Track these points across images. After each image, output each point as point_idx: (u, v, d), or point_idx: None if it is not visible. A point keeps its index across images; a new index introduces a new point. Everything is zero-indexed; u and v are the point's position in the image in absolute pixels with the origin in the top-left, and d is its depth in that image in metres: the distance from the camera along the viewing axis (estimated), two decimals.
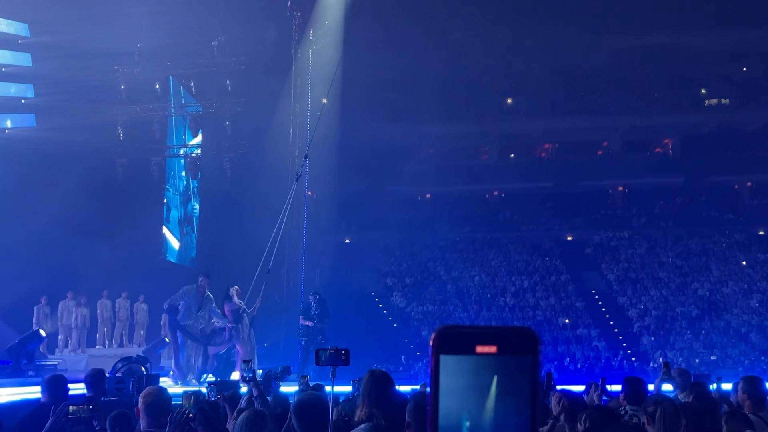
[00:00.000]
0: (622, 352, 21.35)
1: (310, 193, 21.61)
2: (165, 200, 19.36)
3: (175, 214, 19.81)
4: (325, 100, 23.87)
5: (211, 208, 20.27)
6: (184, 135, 19.64)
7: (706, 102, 29.39)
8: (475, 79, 27.12)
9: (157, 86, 18.37)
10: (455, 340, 0.97)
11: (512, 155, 30.86)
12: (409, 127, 26.95)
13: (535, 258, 26.15)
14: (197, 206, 20.55)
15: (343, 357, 4.32)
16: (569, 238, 27.52)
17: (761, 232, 26.34)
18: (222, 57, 18.49)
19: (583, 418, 3.66)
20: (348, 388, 7.92)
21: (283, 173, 18.19)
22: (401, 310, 24.23)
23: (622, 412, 4.83)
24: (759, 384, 5.60)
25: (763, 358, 19.80)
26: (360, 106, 24.77)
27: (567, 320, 22.99)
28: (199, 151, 19.65)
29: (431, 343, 0.98)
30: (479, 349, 0.97)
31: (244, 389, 6.48)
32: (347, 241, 26.48)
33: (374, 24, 23.47)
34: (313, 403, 3.25)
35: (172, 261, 19.31)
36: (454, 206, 28.74)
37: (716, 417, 3.57)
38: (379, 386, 3.62)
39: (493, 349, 0.97)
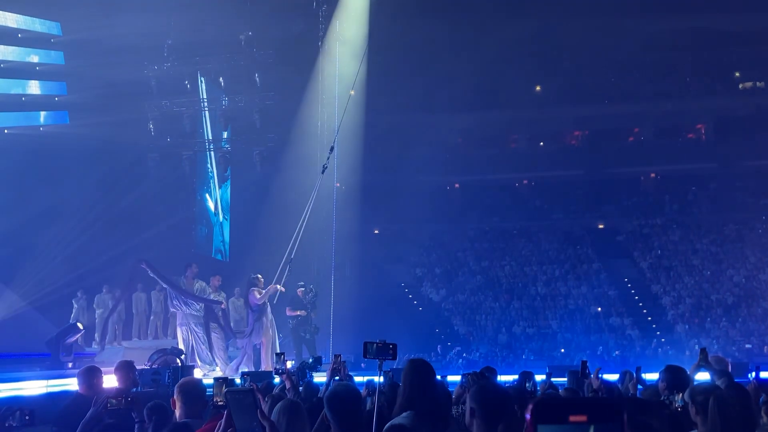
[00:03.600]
0: (656, 341, 21.13)
1: (338, 184, 21.69)
2: (196, 194, 19.60)
3: (206, 207, 20.04)
4: (352, 92, 23.90)
5: (242, 202, 20.48)
6: (214, 129, 19.82)
7: (741, 85, 28.75)
8: (503, 66, 26.89)
9: (186, 83, 18.55)
10: (551, 411, 1.12)
11: (542, 143, 30.58)
12: (437, 115, 26.85)
13: (566, 246, 25.92)
14: (228, 200, 20.75)
15: (390, 351, 4.37)
16: (600, 226, 27.22)
17: None
18: (250, 51, 18.60)
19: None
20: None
21: (311, 166, 18.26)
22: (431, 301, 24.25)
23: (667, 402, 4.74)
24: None
25: None
26: (387, 97, 24.74)
27: (599, 308, 22.80)
28: (228, 145, 19.81)
29: (529, 414, 1.10)
30: (572, 418, 1.12)
31: (276, 380, 6.55)
32: (376, 232, 26.54)
33: (400, 13, 23.41)
34: (345, 393, 3.29)
35: (205, 254, 19.55)
36: (483, 195, 28.59)
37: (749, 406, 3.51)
38: (419, 374, 3.68)
39: (584, 418, 1.12)
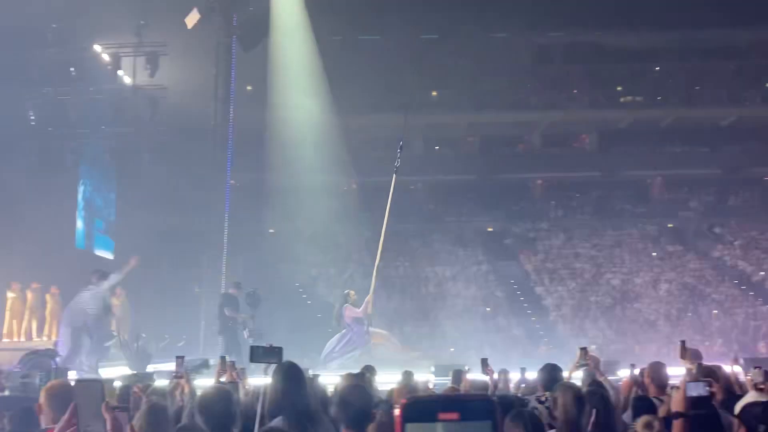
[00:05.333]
0: (539, 341, 22.03)
1: (233, 182, 21.30)
2: (78, 187, 18.63)
3: (90, 201, 19.10)
4: (249, 88, 23.56)
5: (131, 196, 19.67)
6: (102, 120, 18.90)
7: (622, 99, 30.55)
8: (402, 70, 27.27)
9: (72, 70, 17.60)
10: (420, 409, 1.09)
11: (437, 147, 31.24)
12: (337, 116, 26.86)
13: (458, 248, 26.60)
14: (114, 193, 19.88)
15: (276, 354, 4.34)
16: (490, 229, 28.14)
17: (670, 225, 27.70)
18: (145, 40, 17.89)
19: None
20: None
21: (205, 160, 17.83)
22: (326, 301, 24.19)
23: (543, 400, 4.96)
24: (662, 369, 5.92)
25: (669, 344, 20.83)
26: (288, 93, 24.52)
27: (488, 309, 23.52)
28: (116, 138, 18.96)
29: (398, 412, 1.06)
30: (442, 416, 1.08)
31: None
32: (272, 231, 26.21)
33: (301, 11, 23.31)
34: (213, 397, 3.23)
35: (86, 249, 18.63)
36: (379, 197, 28.82)
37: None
38: (289, 378, 3.66)
39: (455, 416, 1.08)
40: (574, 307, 23.05)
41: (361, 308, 12.43)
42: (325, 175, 25.77)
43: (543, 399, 4.69)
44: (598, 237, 26.75)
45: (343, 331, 12.39)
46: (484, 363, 6.99)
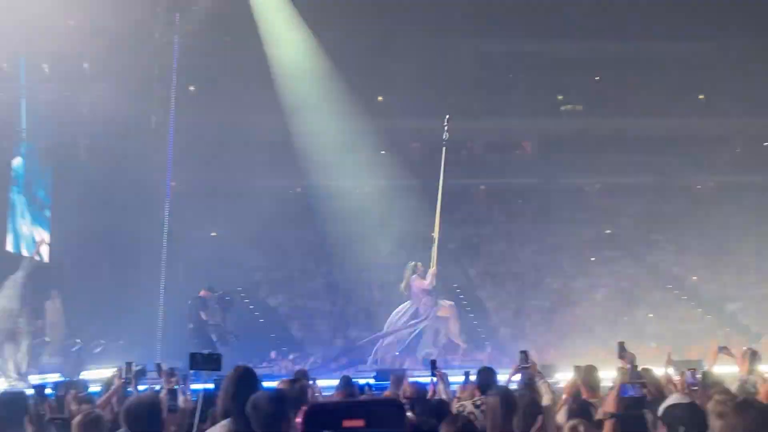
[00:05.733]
0: (482, 345, 22.29)
1: (174, 183, 20.92)
2: (8, 189, 17.93)
3: (24, 202, 18.42)
4: (191, 88, 23.18)
5: (67, 197, 19.06)
6: (35, 119, 18.29)
7: (562, 107, 31.28)
8: (348, 75, 27.30)
9: (5, 64, 16.98)
10: (323, 416, 0.99)
11: (382, 152, 31.32)
12: (282, 119, 26.70)
13: (402, 253, 26.66)
14: (50, 194, 19.24)
15: (215, 361, 4.29)
16: (433, 235, 28.30)
17: (608, 231, 28.46)
18: (80, 38, 17.39)
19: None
20: None
21: (143, 161, 17.44)
22: (269, 306, 23.99)
23: (478, 404, 5.02)
24: (594, 373, 6.08)
25: (606, 348, 21.37)
26: (233, 95, 24.28)
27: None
28: (51, 137, 18.37)
29: (300, 421, 0.98)
30: (346, 423, 0.99)
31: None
32: (214, 234, 25.83)
33: (245, 12, 23.11)
34: (138, 405, 3.17)
35: (15, 253, 17.96)
36: (325, 201, 28.75)
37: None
38: (240, 382, 3.63)
39: (360, 423, 1.00)
40: (515, 311, 23.44)
41: (427, 280, 12.49)
42: (270, 178, 25.58)
43: (479, 403, 4.74)
44: (538, 242, 27.27)
45: (408, 303, 12.40)
46: (433, 365, 7.07)
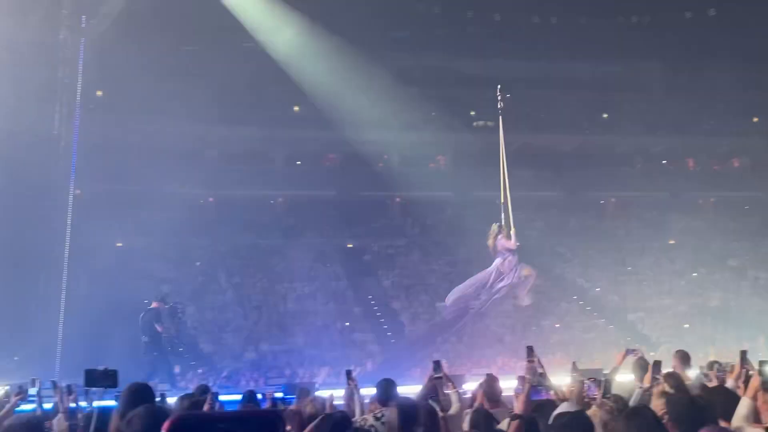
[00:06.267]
0: (394, 355, 22.41)
1: (79, 191, 20.09)
2: None
3: None
4: (99, 93, 22.41)
5: None
6: None
7: (475, 123, 32.03)
8: (265, 83, 27.03)
9: None
10: (191, 428, 0.92)
11: (299, 162, 31.18)
12: (193, 126, 26.14)
13: (317, 265, 26.60)
14: None
15: (111, 377, 4.10)
16: (350, 246, 28.42)
17: (517, 244, 29.20)
18: None
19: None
20: None
21: (44, 168, 16.64)
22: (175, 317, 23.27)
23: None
24: (495, 383, 6.22)
25: (514, 357, 21.92)
26: (140, 102, 23.56)
27: (348, 323, 23.67)
28: None
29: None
30: None
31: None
32: (119, 245, 24.89)
33: (158, 18, 22.55)
34: (18, 426, 3.01)
35: None
36: (238, 211, 28.31)
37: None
38: (135, 399, 3.51)
39: None
40: (428, 322, 23.71)
41: (513, 240, 12.35)
42: (180, 187, 24.92)
43: (379, 415, 4.75)
44: (451, 254, 27.75)
45: (490, 268, 12.32)
46: (348, 374, 7.05)
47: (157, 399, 8.21)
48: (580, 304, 25.39)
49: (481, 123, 31.79)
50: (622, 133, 31.84)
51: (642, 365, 6.75)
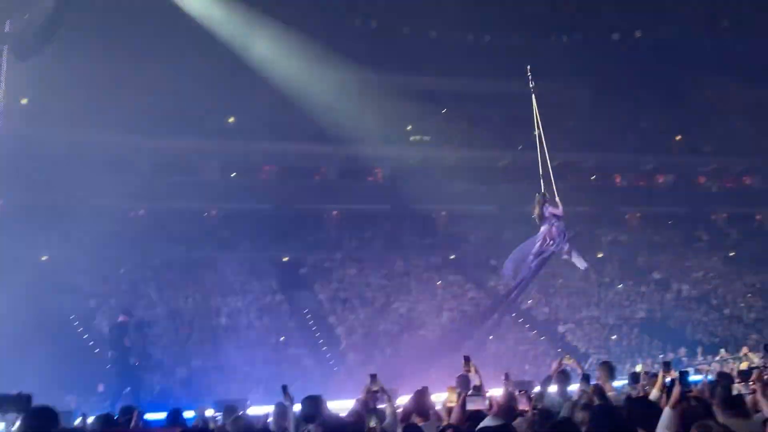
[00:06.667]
0: (330, 371, 22.23)
1: (0, 202, 19.27)
2: None
3: None
4: (24, 101, 21.74)
5: None
6: None
7: (411, 138, 32.35)
8: (198, 94, 26.59)
9: None
10: None
11: (234, 174, 30.75)
12: (123, 137, 25.48)
13: (252, 278, 26.23)
14: None
15: (24, 402, 3.92)
16: (285, 260, 28.15)
17: (453, 257, 29.63)
18: None
19: None
20: None
21: None
22: (104, 334, 22.50)
23: None
24: (424, 396, 6.24)
25: (449, 369, 22.08)
26: (65, 111, 22.83)
27: (282, 338, 23.35)
28: None
29: None
30: None
31: None
32: (44, 258, 23.94)
33: (93, 28, 21.99)
34: None
35: None
36: (171, 224, 27.68)
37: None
38: (31, 425, 3.36)
39: None
40: (364, 335, 23.66)
41: (560, 206, 12.09)
42: (109, 198, 24.19)
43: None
44: (388, 267, 27.84)
45: (537, 236, 12.07)
46: (284, 390, 6.95)
47: (78, 419, 7.90)
48: (513, 317, 25.82)
49: (418, 137, 32.15)
50: (552, 149, 32.59)
51: (562, 379, 6.90)
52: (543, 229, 12.65)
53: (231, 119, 29.87)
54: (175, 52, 25.38)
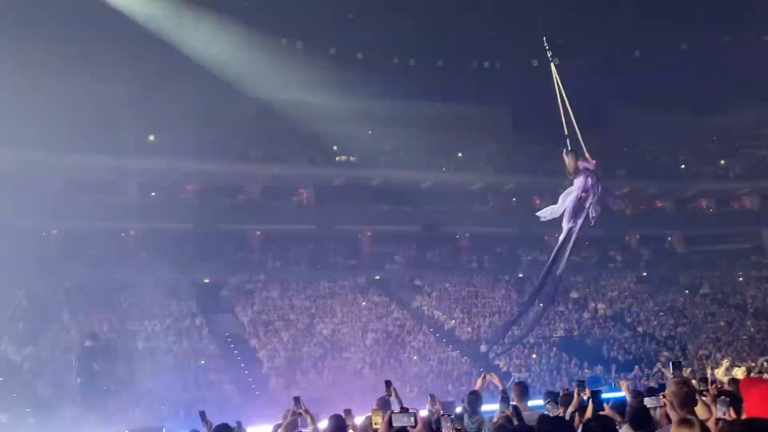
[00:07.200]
0: (252, 395, 21.74)
1: None
2: None
3: None
4: None
5: None
6: None
7: (337, 158, 32.38)
8: (116, 112, 25.81)
9: None
10: None
11: (153, 193, 29.92)
12: (33, 154, 24.41)
13: (171, 301, 25.46)
14: None
15: None
16: (206, 281, 27.51)
17: (377, 277, 29.69)
18: None
19: None
20: None
21: None
22: (10, 361, 21.31)
23: None
24: (340, 421, 6.19)
25: (374, 391, 21.99)
26: None
27: (202, 362, 22.69)
28: None
29: None
30: None
31: None
32: None
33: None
34: None
35: None
36: (85, 245, 26.64)
37: None
38: None
39: None
40: (287, 359, 23.28)
41: (591, 161, 11.74)
42: (18, 217, 23.08)
43: None
44: (312, 288, 27.61)
45: (573, 188, 11.74)
46: (202, 416, 6.77)
47: None
48: (437, 337, 26.03)
49: (343, 158, 32.19)
50: (475, 172, 33.41)
51: (473, 399, 6.98)
52: (577, 182, 12.93)
53: (151, 137, 29.10)
54: (91, 63, 24.66)
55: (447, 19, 28.40)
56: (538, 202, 36.04)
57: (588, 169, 13.01)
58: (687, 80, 31.57)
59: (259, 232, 30.33)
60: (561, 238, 13.52)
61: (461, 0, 27.28)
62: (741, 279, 33.47)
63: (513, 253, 33.69)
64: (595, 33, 29.86)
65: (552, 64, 13.84)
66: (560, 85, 13.49)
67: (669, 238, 37.03)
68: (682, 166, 37.57)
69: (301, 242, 30.23)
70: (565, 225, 13.38)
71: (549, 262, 13.44)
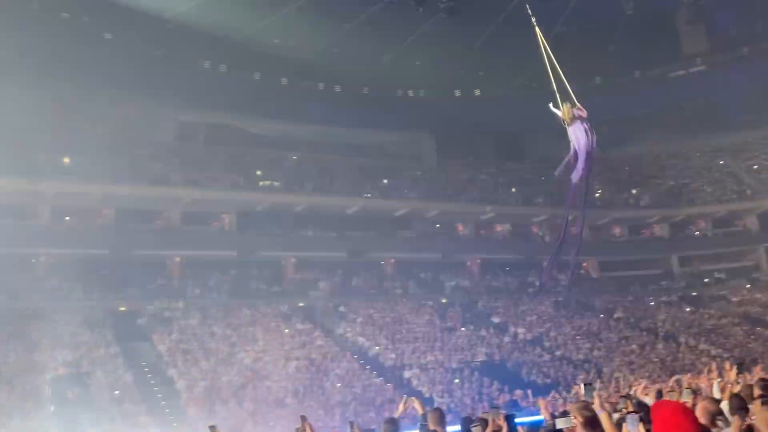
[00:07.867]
0: (169, 427, 21.01)
1: None
2: None
3: None
4: None
5: None
6: None
7: (261, 183, 32.06)
8: (27, 131, 24.80)
9: None
10: None
11: (67, 218, 28.75)
12: None
13: (84, 330, 24.40)
14: None
15: None
16: (122, 309, 26.53)
17: (301, 304, 29.40)
18: None
19: None
20: None
21: None
22: None
23: None
24: None
25: (295, 419, 21.61)
26: None
27: (117, 392, 21.78)
28: None
29: None
30: None
31: None
32: None
33: None
34: None
35: None
36: (3, 270, 25.30)
37: None
38: None
39: None
40: (206, 388, 22.63)
41: (584, 110, 11.28)
42: None
43: None
44: (233, 316, 27.05)
45: (576, 128, 11.25)
46: None
47: None
48: (361, 363, 25.91)
49: (267, 183, 31.90)
50: (394, 198, 33.78)
51: (389, 428, 7.00)
52: (574, 127, 12.98)
53: (66, 159, 28.04)
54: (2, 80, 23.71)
55: (373, 47, 28.82)
56: (461, 228, 36.73)
57: (582, 117, 13.45)
58: (602, 112, 33.08)
59: (178, 258, 29.53)
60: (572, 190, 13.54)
61: (387, 29, 27.74)
62: (652, 303, 34.95)
63: (436, 279, 34.09)
64: (516, 67, 30.95)
65: (533, 21, 14.20)
66: (544, 41, 13.81)
67: (584, 264, 38.32)
68: (597, 195, 39.12)
69: (223, 269, 29.64)
70: (581, 164, 13.43)
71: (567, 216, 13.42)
